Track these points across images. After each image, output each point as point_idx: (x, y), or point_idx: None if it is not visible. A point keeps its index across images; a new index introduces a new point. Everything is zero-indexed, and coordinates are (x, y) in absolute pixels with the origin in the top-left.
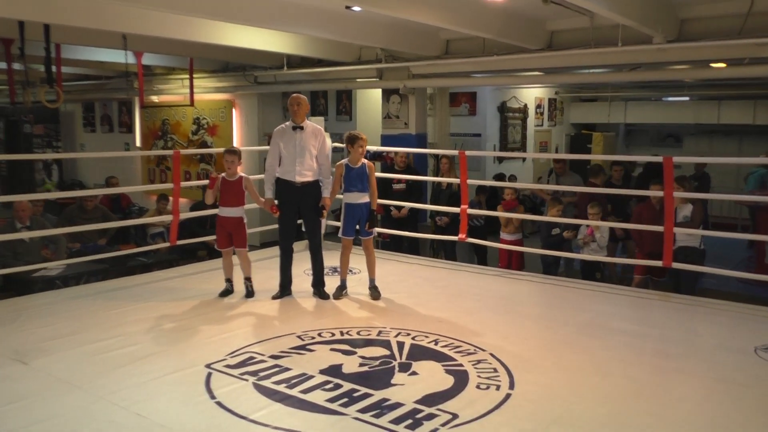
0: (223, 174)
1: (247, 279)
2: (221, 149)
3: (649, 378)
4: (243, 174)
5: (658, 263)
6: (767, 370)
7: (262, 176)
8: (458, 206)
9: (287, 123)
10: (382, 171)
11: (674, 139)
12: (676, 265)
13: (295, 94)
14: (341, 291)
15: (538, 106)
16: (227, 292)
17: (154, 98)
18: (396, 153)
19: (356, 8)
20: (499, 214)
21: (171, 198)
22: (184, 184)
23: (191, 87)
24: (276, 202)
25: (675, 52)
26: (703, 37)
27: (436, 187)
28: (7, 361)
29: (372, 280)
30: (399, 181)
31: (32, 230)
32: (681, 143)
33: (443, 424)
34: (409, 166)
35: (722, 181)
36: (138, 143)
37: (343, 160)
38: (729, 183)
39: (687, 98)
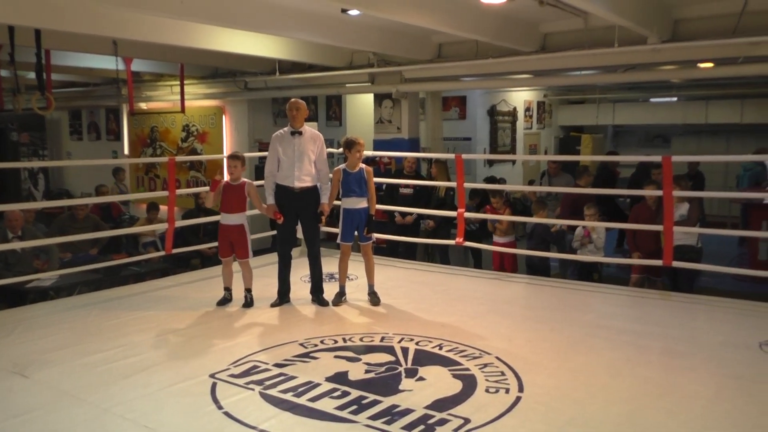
0: (226, 179)
1: (248, 290)
2: (212, 156)
3: (659, 376)
4: (245, 179)
5: (659, 262)
6: None
7: (260, 182)
8: (446, 210)
9: (286, 128)
10: (381, 176)
11: (662, 139)
12: (676, 263)
13: (293, 99)
14: (340, 297)
15: (527, 109)
16: (225, 300)
17: (143, 105)
18: (404, 158)
19: (353, 12)
20: (494, 217)
21: (160, 207)
22: (179, 191)
23: (182, 93)
24: (276, 207)
25: (669, 53)
26: (697, 36)
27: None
28: (8, 375)
29: (371, 286)
30: (407, 186)
31: (24, 240)
32: (669, 144)
33: (456, 429)
34: (417, 172)
35: (712, 179)
36: (126, 151)
37: (340, 165)
38: (718, 181)
39: (675, 99)
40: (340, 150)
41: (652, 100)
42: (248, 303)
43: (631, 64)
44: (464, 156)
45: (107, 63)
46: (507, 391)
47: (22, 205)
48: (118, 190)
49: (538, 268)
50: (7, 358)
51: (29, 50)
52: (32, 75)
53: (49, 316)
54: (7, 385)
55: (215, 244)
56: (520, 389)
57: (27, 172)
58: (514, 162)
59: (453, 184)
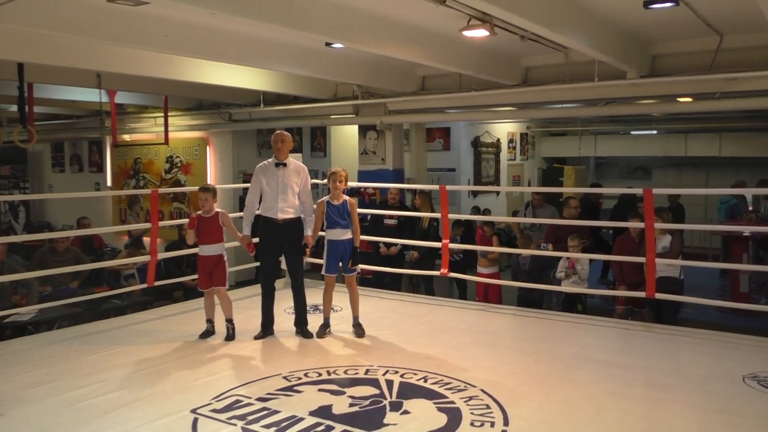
0: (199, 212)
1: (229, 321)
2: (196, 188)
3: (645, 410)
4: (219, 209)
5: (642, 294)
6: (758, 398)
7: (240, 214)
8: (430, 241)
9: (270, 159)
10: (365, 207)
11: (643, 171)
12: (659, 295)
13: (278, 131)
14: (325, 329)
15: (511, 141)
16: (208, 333)
17: (127, 137)
18: (389, 189)
19: (337, 45)
20: (479, 248)
21: (143, 238)
22: (162, 223)
23: (166, 125)
24: (253, 240)
25: (648, 87)
26: (675, 72)
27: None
28: None
29: (356, 318)
30: (391, 217)
31: (3, 274)
32: (650, 175)
33: None
34: (402, 203)
35: (692, 212)
36: (109, 183)
37: (324, 198)
38: (699, 214)
39: (655, 132)
40: (325, 181)
41: (632, 132)
42: (230, 335)
43: (611, 97)
44: (448, 187)
45: (91, 95)
46: (492, 424)
47: (2, 238)
48: (134, 221)
49: (530, 302)
50: None
51: (11, 84)
52: (14, 108)
53: (27, 352)
54: None
55: (197, 276)
56: (506, 422)
57: (7, 204)
58: (498, 193)
59: (437, 215)
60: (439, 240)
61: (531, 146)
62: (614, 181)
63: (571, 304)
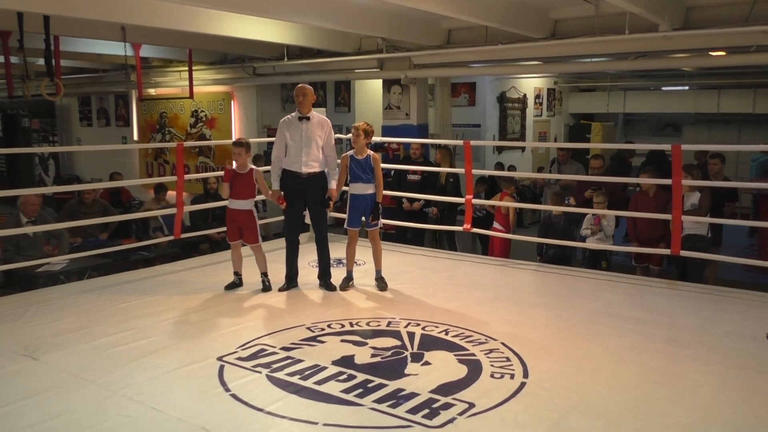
0: (233, 167)
1: (264, 274)
2: (221, 141)
3: (664, 365)
4: (253, 166)
5: (666, 251)
6: None
7: (268, 168)
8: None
9: (293, 114)
10: (389, 162)
11: (673, 128)
12: (684, 252)
13: (300, 85)
14: (348, 282)
15: (537, 96)
16: (234, 285)
17: (152, 91)
18: (411, 144)
19: None
20: (502, 203)
21: (169, 191)
22: (187, 176)
23: (190, 79)
24: (282, 193)
25: (681, 40)
26: (709, 24)
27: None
28: (18, 357)
29: (378, 271)
30: (414, 172)
31: (37, 225)
32: (680, 132)
33: (461, 413)
34: (425, 158)
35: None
36: (135, 137)
37: (348, 152)
38: (729, 171)
39: (686, 87)
40: (349, 135)
41: (663, 88)
42: (266, 287)
43: (642, 51)
44: (473, 142)
45: (116, 49)
46: (512, 376)
47: (38, 189)
48: (158, 207)
49: (561, 259)
50: (18, 341)
51: (38, 37)
52: (41, 61)
53: (59, 300)
54: (18, 367)
55: (224, 228)
56: (525, 375)
57: (37, 157)
58: (523, 149)
59: (460, 170)
60: (457, 196)
61: (558, 102)
62: (643, 138)
63: (596, 260)
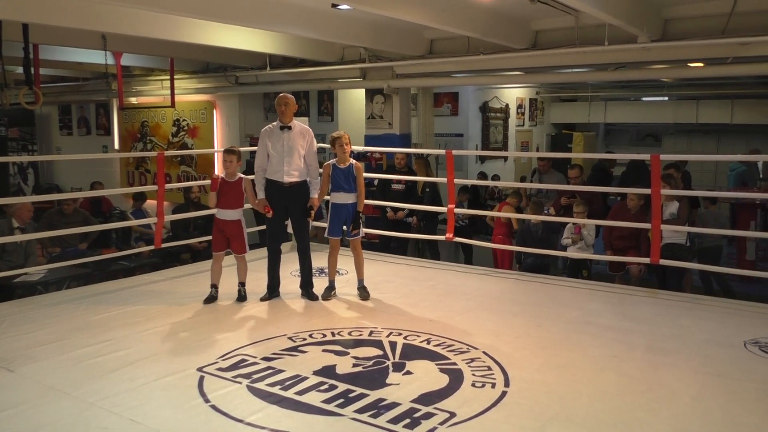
0: (222, 175)
1: (242, 284)
2: (203, 151)
3: (644, 373)
4: (242, 175)
5: (646, 260)
6: (758, 363)
7: (251, 177)
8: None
9: (275, 123)
10: (372, 171)
11: (653, 138)
12: (663, 261)
13: (282, 94)
14: (330, 292)
15: (519, 106)
16: (212, 298)
17: (133, 100)
18: (395, 153)
19: (343, 6)
20: (485, 213)
21: (148, 200)
22: (168, 186)
23: (172, 88)
24: (266, 201)
25: (659, 52)
26: (687, 36)
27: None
28: None
29: (360, 281)
30: (399, 181)
31: (25, 233)
32: (660, 142)
33: (441, 423)
34: (409, 167)
35: (701, 179)
36: (116, 146)
37: (330, 161)
38: (708, 181)
39: (666, 98)
40: (328, 145)
41: (643, 98)
42: (242, 297)
43: (622, 62)
44: (455, 152)
45: (97, 57)
46: (493, 385)
47: (18, 199)
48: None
49: (540, 268)
50: None
51: (17, 45)
52: (20, 69)
53: (37, 311)
54: None
55: (205, 238)
56: (506, 384)
57: (16, 167)
58: (506, 159)
59: (442, 179)
60: (434, 205)
61: (540, 112)
62: (624, 148)
63: (577, 269)
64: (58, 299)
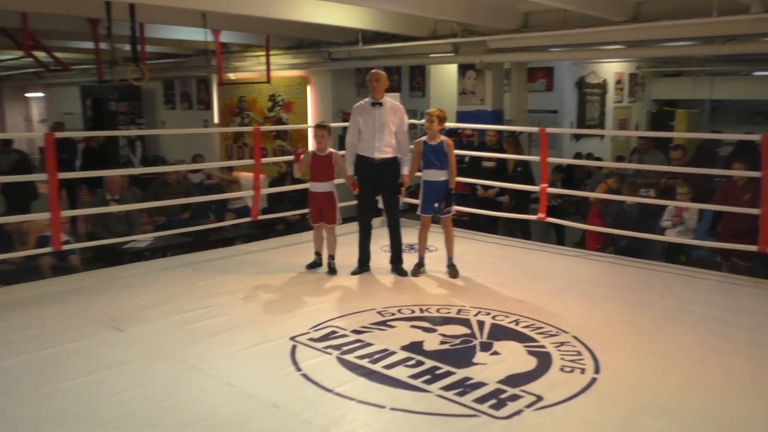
0: (313, 149)
1: (331, 257)
2: (297, 126)
3: (744, 368)
4: (332, 149)
5: (753, 248)
6: None
7: (342, 152)
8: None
9: (366, 99)
10: (463, 148)
11: (764, 116)
12: None
13: (374, 70)
14: (419, 268)
15: (618, 82)
16: (315, 264)
17: (231, 75)
18: (486, 130)
19: None
20: (580, 193)
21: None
22: (264, 160)
23: (268, 64)
24: (356, 178)
25: None
26: None
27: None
28: (106, 328)
29: (450, 258)
30: (490, 159)
31: (120, 203)
32: None
33: (528, 406)
34: (501, 145)
35: None
36: (216, 120)
37: (421, 137)
38: None
39: None
40: (422, 121)
41: (754, 73)
42: (332, 270)
43: (731, 34)
44: (548, 130)
45: (197, 35)
46: (582, 371)
47: (118, 171)
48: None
49: (633, 251)
50: (106, 312)
51: (124, 24)
52: (128, 47)
53: (144, 276)
54: (106, 338)
55: (300, 211)
56: (596, 370)
57: (126, 139)
58: (602, 137)
59: (535, 158)
60: (525, 184)
61: (640, 87)
62: (731, 126)
63: (675, 254)
64: (162, 265)
